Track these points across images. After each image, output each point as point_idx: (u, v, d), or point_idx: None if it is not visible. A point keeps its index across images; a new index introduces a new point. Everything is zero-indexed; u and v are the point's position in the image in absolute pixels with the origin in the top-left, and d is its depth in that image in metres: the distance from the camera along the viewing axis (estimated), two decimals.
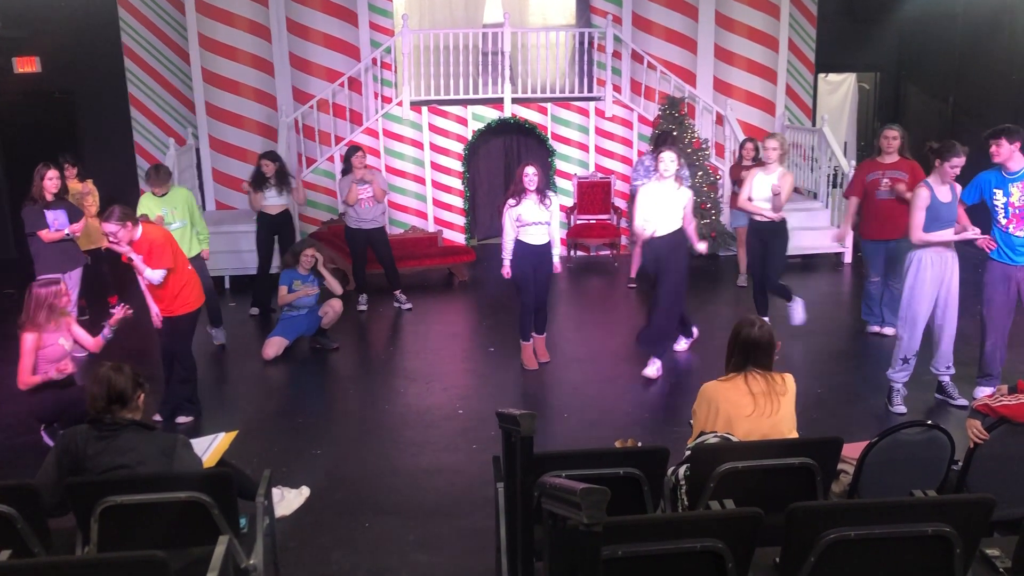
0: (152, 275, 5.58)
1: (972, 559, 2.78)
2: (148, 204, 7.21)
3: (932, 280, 5.63)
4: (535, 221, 6.49)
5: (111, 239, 5.54)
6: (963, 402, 5.83)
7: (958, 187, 5.65)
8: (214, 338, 7.52)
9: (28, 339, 5.29)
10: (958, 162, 5.48)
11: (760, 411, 3.59)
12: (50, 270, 6.56)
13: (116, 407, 3.44)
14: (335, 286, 7.49)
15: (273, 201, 8.29)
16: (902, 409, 5.81)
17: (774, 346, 3.71)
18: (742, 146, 9.31)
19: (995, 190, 5.60)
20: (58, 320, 5.44)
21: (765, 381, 3.64)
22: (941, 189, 5.56)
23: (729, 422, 3.60)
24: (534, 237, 6.53)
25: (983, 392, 5.77)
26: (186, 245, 7.19)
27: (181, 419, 5.87)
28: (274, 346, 7.19)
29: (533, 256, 6.55)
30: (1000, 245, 5.65)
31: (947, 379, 5.91)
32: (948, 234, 5.54)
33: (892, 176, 7.01)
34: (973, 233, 5.55)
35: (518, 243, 6.55)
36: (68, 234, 6.94)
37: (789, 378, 3.71)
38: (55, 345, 5.38)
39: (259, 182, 8.26)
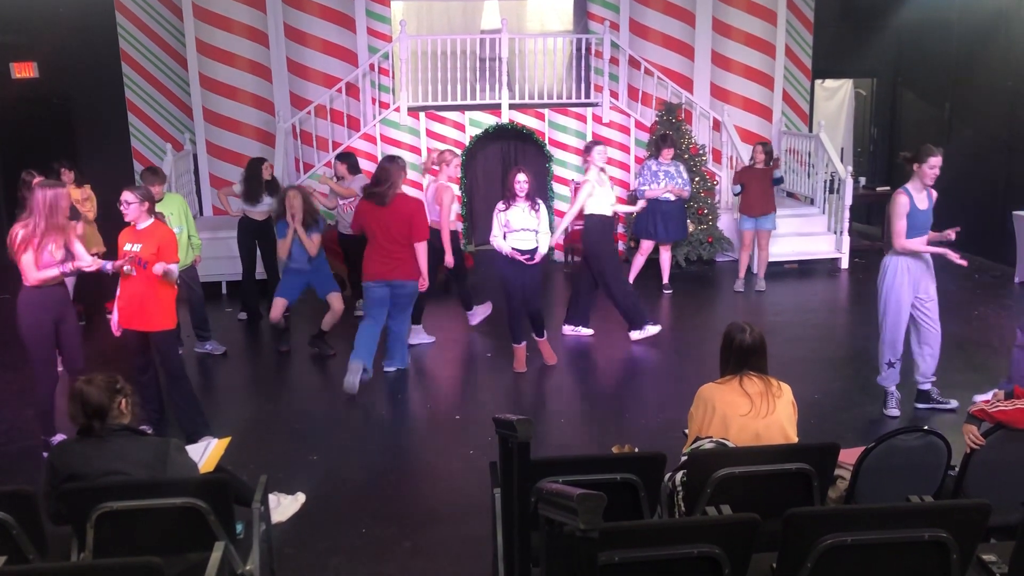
0: (168, 268, 5.36)
1: (969, 565, 2.78)
2: None
3: (909, 284, 5.67)
4: (523, 227, 6.50)
5: (122, 205, 5.38)
6: (953, 404, 5.86)
7: (935, 194, 5.66)
8: (214, 350, 7.47)
9: (23, 240, 5.11)
10: (935, 162, 5.47)
11: (756, 411, 3.61)
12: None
13: (96, 422, 3.39)
14: (311, 246, 7.28)
15: (263, 208, 8.22)
16: (895, 412, 5.86)
17: (766, 349, 3.72)
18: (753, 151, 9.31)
19: None
20: (58, 231, 5.24)
21: (762, 382, 3.65)
22: (919, 196, 5.57)
23: (725, 422, 3.61)
24: (522, 243, 6.54)
25: (981, 398, 5.81)
26: (182, 253, 7.05)
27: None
28: (277, 308, 7.20)
29: (516, 260, 6.53)
30: None
31: (928, 386, 5.93)
32: (928, 246, 5.56)
33: None
34: (947, 236, 5.51)
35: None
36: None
37: (785, 386, 3.72)
38: (44, 251, 5.20)
39: (256, 187, 8.17)
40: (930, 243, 5.60)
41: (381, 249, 6.44)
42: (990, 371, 6.48)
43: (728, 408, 3.62)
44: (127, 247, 5.42)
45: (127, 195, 5.39)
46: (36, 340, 5.32)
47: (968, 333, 7.53)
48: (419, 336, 7.61)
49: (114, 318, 5.60)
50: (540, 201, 6.65)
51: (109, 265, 5.48)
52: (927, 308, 5.74)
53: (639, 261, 9.12)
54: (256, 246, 8.37)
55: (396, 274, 6.46)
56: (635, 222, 9.25)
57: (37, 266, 5.18)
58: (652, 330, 7.55)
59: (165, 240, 5.46)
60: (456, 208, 7.80)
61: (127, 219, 5.43)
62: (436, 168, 7.63)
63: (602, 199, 7.36)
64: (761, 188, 9.04)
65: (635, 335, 7.53)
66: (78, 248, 5.44)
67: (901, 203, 5.54)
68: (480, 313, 8.09)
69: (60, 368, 6.11)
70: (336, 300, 7.30)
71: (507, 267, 6.57)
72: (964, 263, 5.61)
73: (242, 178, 8.36)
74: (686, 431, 3.91)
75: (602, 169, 7.52)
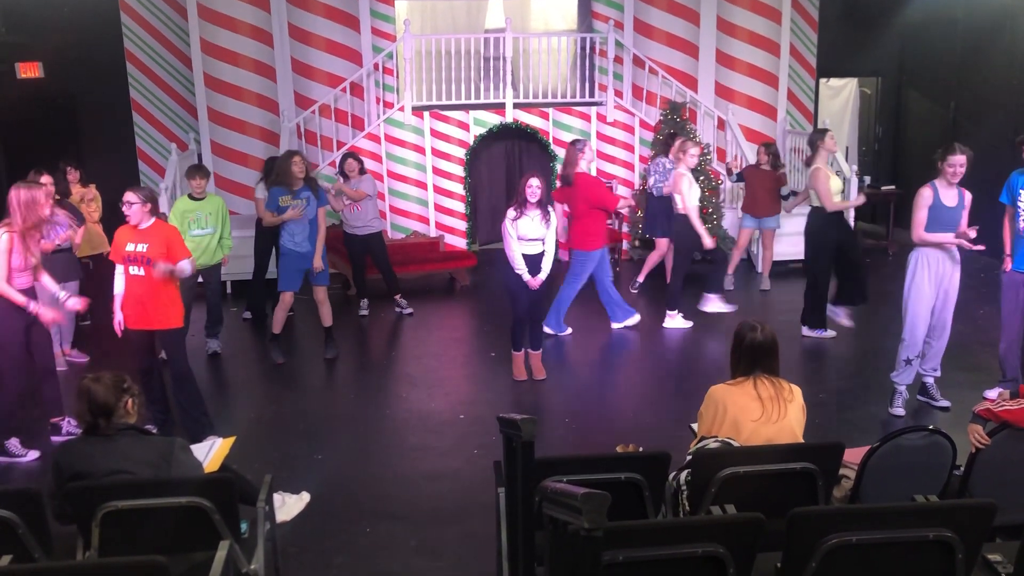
0: (184, 265, 5.39)
1: (974, 564, 2.78)
2: (182, 207, 7.02)
3: (930, 280, 5.67)
4: (533, 237, 6.38)
5: (124, 206, 5.33)
6: (945, 403, 5.89)
7: (968, 195, 5.65)
8: (208, 347, 7.43)
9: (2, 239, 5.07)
10: (954, 160, 5.48)
11: (767, 416, 3.58)
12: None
13: (102, 420, 3.40)
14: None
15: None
16: (900, 411, 5.87)
17: (778, 348, 3.70)
18: (758, 152, 9.33)
19: (1021, 191, 5.70)
20: (36, 234, 5.24)
21: (773, 386, 3.62)
22: (946, 192, 5.58)
23: (736, 425, 3.59)
24: (530, 249, 6.42)
25: (992, 393, 5.88)
26: (210, 254, 7.08)
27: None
28: (282, 312, 7.09)
29: (528, 268, 6.44)
30: (1015, 249, 5.72)
31: (931, 380, 5.96)
32: (946, 237, 5.57)
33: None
34: (967, 235, 5.52)
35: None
36: (59, 244, 6.57)
37: (797, 389, 3.71)
38: (19, 255, 5.18)
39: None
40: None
41: (578, 223, 7.39)
42: (994, 370, 6.46)
43: (740, 412, 3.60)
44: (130, 247, 5.38)
45: (130, 195, 5.35)
46: (4, 347, 5.23)
47: (973, 332, 7.51)
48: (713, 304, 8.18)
49: (118, 317, 5.56)
50: (552, 210, 6.48)
51: (64, 296, 5.46)
52: (944, 305, 5.75)
53: (654, 259, 9.07)
54: (272, 247, 8.16)
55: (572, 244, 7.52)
56: (647, 221, 9.18)
57: (8, 279, 5.12)
58: (830, 330, 7.53)
59: (172, 238, 5.47)
60: (696, 193, 7.82)
61: (130, 221, 5.40)
62: (681, 156, 7.87)
63: (833, 190, 7.43)
64: (765, 189, 9.03)
65: (810, 332, 7.53)
66: (45, 280, 5.42)
67: (923, 195, 5.60)
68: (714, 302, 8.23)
69: (62, 368, 6.11)
70: (321, 292, 7.16)
71: (513, 275, 6.51)
72: (981, 248, 5.52)
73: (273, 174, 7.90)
74: (692, 426, 3.90)
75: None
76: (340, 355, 7.35)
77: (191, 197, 7.10)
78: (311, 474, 5.16)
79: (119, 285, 5.50)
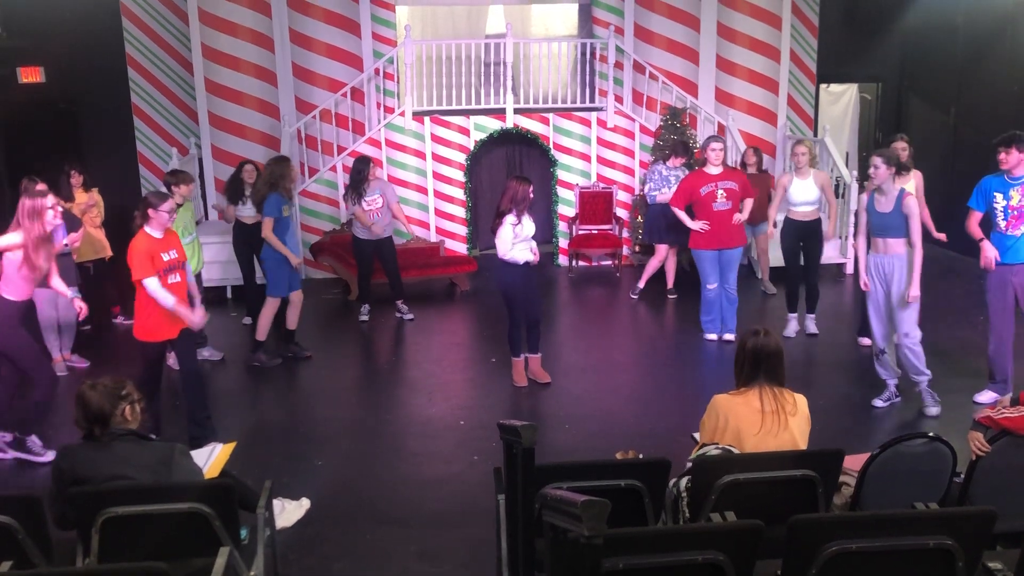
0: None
1: (975, 572, 2.78)
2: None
3: (875, 281, 5.90)
4: (529, 236, 6.41)
5: (169, 216, 5.32)
6: (934, 411, 5.88)
7: (910, 200, 5.70)
8: (210, 357, 7.40)
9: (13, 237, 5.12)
10: (872, 159, 5.76)
11: (767, 430, 3.57)
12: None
13: (98, 427, 3.39)
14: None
15: (250, 212, 7.88)
16: (879, 403, 6.04)
17: (783, 353, 3.69)
18: (744, 155, 9.32)
19: (996, 194, 5.75)
20: (43, 249, 5.26)
21: (775, 399, 3.61)
22: (880, 198, 5.78)
23: (737, 436, 3.59)
24: (525, 252, 6.42)
25: (983, 396, 5.93)
26: (196, 260, 6.98)
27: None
28: (273, 307, 7.14)
29: (524, 270, 6.44)
30: (998, 247, 5.76)
31: (922, 387, 5.96)
32: (861, 250, 5.97)
33: (726, 187, 7.31)
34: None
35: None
36: (65, 244, 6.65)
37: (801, 400, 3.69)
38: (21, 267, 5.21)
39: (236, 191, 8.04)
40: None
41: None
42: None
43: (742, 423, 3.59)
44: (165, 256, 5.34)
45: (172, 204, 5.39)
46: (21, 345, 5.26)
47: (971, 337, 7.50)
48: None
49: (193, 315, 5.44)
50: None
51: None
52: (897, 309, 5.83)
53: (654, 265, 9.06)
54: (251, 251, 8.03)
55: None
56: (646, 227, 9.19)
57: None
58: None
59: (179, 242, 5.59)
60: (795, 198, 7.65)
61: (167, 226, 5.38)
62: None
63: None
64: (756, 194, 8.87)
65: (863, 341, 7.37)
66: (55, 282, 5.46)
67: (860, 200, 5.99)
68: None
69: (63, 372, 6.08)
70: (299, 295, 7.27)
71: (517, 277, 6.45)
72: (861, 283, 5.97)
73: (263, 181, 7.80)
74: (695, 435, 3.90)
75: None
76: (341, 360, 7.37)
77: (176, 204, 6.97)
78: (311, 480, 5.16)
79: (168, 297, 5.28)
